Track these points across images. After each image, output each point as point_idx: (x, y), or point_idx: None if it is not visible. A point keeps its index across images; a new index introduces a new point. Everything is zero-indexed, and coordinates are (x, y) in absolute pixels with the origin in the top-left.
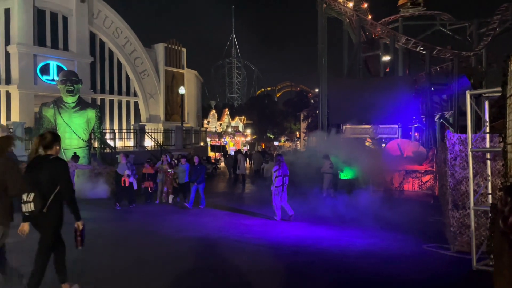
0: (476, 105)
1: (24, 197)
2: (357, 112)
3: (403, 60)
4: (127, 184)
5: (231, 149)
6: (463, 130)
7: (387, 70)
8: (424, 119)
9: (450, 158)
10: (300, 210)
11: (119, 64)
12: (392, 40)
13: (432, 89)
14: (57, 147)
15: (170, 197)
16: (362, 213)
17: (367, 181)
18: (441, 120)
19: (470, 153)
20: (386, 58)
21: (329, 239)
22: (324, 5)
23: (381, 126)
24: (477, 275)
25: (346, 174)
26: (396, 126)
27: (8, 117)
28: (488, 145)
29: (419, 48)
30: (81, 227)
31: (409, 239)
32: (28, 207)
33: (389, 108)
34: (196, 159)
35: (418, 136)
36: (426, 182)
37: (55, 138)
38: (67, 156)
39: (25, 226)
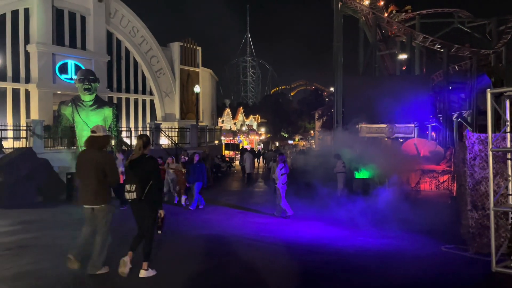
0: (496, 104)
1: (128, 187)
2: (372, 111)
3: (420, 59)
4: (121, 181)
5: (246, 147)
6: (482, 129)
7: (404, 68)
8: (441, 118)
9: (469, 158)
10: (315, 210)
11: (135, 63)
12: (409, 38)
13: (450, 87)
14: (150, 147)
15: (183, 198)
16: (378, 213)
17: (383, 180)
18: (459, 119)
19: (490, 153)
20: (403, 56)
21: (345, 239)
22: (340, 3)
23: (397, 125)
24: (497, 277)
25: (361, 174)
26: (413, 125)
27: (28, 115)
28: (509, 145)
29: (436, 46)
30: (162, 215)
31: (426, 240)
32: (131, 195)
33: (406, 107)
34: (196, 156)
35: (435, 135)
36: (443, 182)
37: (147, 141)
38: None
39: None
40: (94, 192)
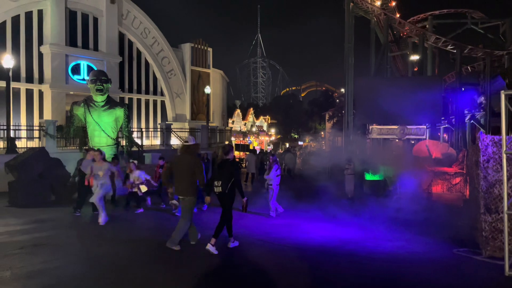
0: (510, 105)
1: (216, 183)
2: (384, 112)
3: (432, 60)
4: (91, 184)
5: (256, 148)
6: (495, 131)
7: (415, 69)
8: (453, 119)
9: (483, 160)
10: (324, 211)
11: (147, 64)
12: (421, 39)
13: (463, 89)
14: (232, 154)
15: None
16: (389, 216)
17: (394, 182)
18: (472, 121)
19: (504, 155)
20: (415, 57)
21: (355, 241)
22: (352, 4)
23: (408, 126)
24: (510, 281)
25: (372, 176)
26: (424, 126)
27: (41, 115)
28: None
29: (449, 47)
30: (245, 201)
31: (438, 243)
32: (218, 189)
33: (417, 109)
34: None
35: (447, 137)
36: (455, 184)
37: (231, 149)
38: None
39: (208, 199)
40: (186, 187)
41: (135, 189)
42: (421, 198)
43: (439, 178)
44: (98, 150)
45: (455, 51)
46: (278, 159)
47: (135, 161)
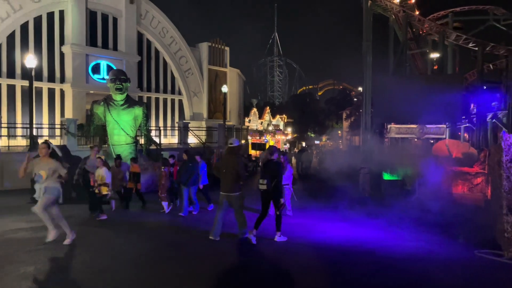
0: None
1: (261, 181)
2: (402, 111)
3: (452, 57)
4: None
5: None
6: None
7: (435, 67)
8: (474, 119)
9: (506, 160)
10: (342, 211)
11: (165, 63)
12: (441, 37)
13: (484, 87)
14: (276, 155)
15: (165, 205)
16: (408, 216)
17: (413, 182)
18: (494, 120)
19: None
20: (434, 55)
21: (375, 240)
22: (370, 2)
23: (427, 125)
24: None
25: (391, 175)
26: (444, 126)
27: (62, 114)
28: None
29: (470, 45)
30: (282, 201)
31: (459, 243)
32: (263, 187)
33: (437, 107)
34: (185, 155)
35: (467, 136)
36: (477, 185)
37: (275, 150)
38: (115, 152)
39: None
40: (231, 185)
41: (95, 189)
42: (441, 199)
43: (460, 178)
44: (45, 142)
45: (476, 48)
46: (291, 158)
47: (103, 157)
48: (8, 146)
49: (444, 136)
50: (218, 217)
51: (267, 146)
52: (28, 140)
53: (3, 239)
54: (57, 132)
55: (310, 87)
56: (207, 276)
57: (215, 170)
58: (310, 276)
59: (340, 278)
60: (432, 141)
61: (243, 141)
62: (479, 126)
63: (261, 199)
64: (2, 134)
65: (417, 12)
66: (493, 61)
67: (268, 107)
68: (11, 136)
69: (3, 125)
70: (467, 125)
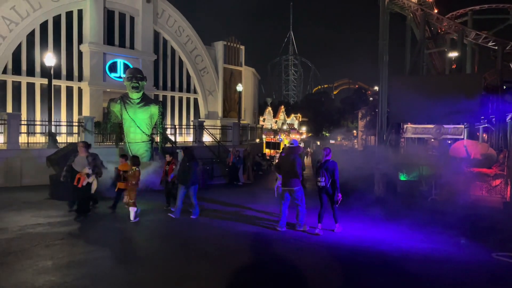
0: None
1: (319, 179)
2: (419, 111)
3: (471, 57)
4: (82, 183)
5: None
6: None
7: (453, 67)
8: (494, 119)
9: None
10: (356, 211)
11: (181, 62)
12: (460, 35)
13: (504, 87)
14: (331, 155)
15: (132, 211)
16: (424, 217)
17: (430, 183)
18: None
19: None
20: (453, 54)
21: (389, 241)
22: (387, 0)
23: (445, 126)
24: None
25: (407, 176)
26: (462, 126)
27: (80, 112)
28: None
29: (490, 44)
30: (338, 197)
31: (476, 246)
32: (321, 184)
33: (455, 107)
34: (182, 153)
35: (486, 137)
36: (495, 186)
37: (329, 151)
38: (131, 149)
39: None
40: (292, 180)
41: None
42: (458, 200)
43: (478, 180)
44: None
45: (496, 48)
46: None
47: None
48: (28, 143)
49: (462, 137)
50: (283, 209)
51: (281, 146)
52: (47, 137)
53: (22, 234)
54: (75, 129)
55: (325, 86)
56: (220, 272)
57: (276, 168)
58: (323, 276)
59: (355, 278)
60: (449, 142)
61: (257, 140)
62: (499, 127)
63: (319, 195)
64: (22, 131)
65: (435, 11)
66: None
67: (282, 106)
68: (30, 133)
69: (22, 122)
70: (486, 125)
